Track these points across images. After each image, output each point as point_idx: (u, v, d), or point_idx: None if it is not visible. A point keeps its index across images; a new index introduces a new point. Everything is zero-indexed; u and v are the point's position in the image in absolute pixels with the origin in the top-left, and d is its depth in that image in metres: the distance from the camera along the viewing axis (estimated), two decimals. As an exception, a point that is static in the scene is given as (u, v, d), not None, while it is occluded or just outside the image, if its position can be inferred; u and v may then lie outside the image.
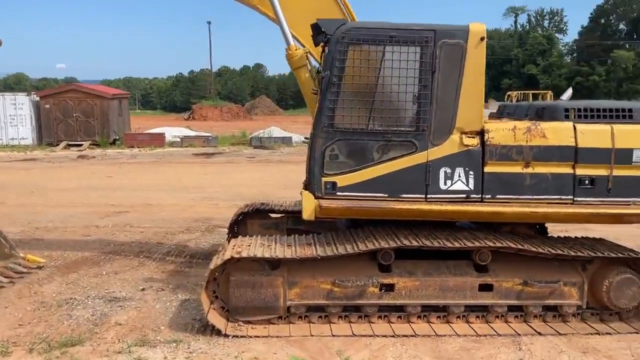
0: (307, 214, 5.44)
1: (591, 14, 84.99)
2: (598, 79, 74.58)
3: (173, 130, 29.01)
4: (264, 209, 7.86)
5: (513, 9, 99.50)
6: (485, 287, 5.56)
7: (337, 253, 5.27)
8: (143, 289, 6.66)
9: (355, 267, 5.52)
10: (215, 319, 5.33)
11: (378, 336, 5.31)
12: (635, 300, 5.55)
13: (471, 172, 5.39)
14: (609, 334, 5.45)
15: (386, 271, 5.55)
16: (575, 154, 5.40)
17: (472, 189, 5.40)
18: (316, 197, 5.43)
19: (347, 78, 5.30)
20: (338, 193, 5.42)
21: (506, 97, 46.19)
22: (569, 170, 5.44)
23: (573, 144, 5.40)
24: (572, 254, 5.42)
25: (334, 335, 5.30)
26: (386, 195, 5.41)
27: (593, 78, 74.68)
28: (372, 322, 5.57)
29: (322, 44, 6.01)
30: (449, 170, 5.38)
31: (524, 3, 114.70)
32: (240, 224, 7.84)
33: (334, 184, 5.41)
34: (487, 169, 5.40)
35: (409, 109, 5.36)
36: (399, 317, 5.60)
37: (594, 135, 5.42)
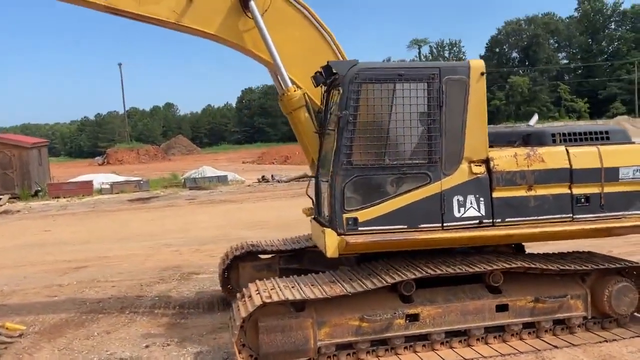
0: (331, 251, 5.47)
1: (487, 44, 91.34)
2: (499, 103, 79.83)
3: (99, 177, 27.81)
4: (254, 251, 7.75)
5: (416, 41, 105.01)
6: (502, 308, 5.80)
7: (367, 288, 5.33)
8: (147, 346, 6.33)
9: (379, 301, 5.59)
10: (245, 368, 5.19)
11: (411, 367, 5.38)
12: (633, 305, 6.01)
13: (481, 199, 5.67)
14: (615, 340, 5.85)
15: (408, 302, 5.67)
16: (570, 175, 5.84)
17: (484, 214, 5.68)
18: (338, 234, 5.48)
19: (361, 116, 5.47)
20: (360, 228, 5.51)
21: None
22: (566, 190, 5.86)
23: (568, 165, 5.84)
24: (578, 268, 5.81)
25: (368, 372, 5.32)
26: (405, 226, 5.56)
27: (494, 102, 79.72)
28: (398, 354, 5.63)
29: (322, 85, 6.19)
30: (461, 198, 5.63)
31: (426, 35, 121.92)
32: (230, 268, 7.68)
33: (355, 219, 5.49)
34: (495, 195, 5.70)
35: (421, 142, 5.59)
36: (423, 345, 5.71)
37: (585, 156, 5.89)
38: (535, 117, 8.02)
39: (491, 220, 5.71)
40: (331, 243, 5.46)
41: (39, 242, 13.86)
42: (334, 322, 5.45)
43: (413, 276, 5.41)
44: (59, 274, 10.37)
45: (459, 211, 5.64)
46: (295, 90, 6.40)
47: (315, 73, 6.21)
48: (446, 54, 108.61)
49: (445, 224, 5.62)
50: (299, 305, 5.46)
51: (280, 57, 6.36)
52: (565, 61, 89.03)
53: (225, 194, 23.08)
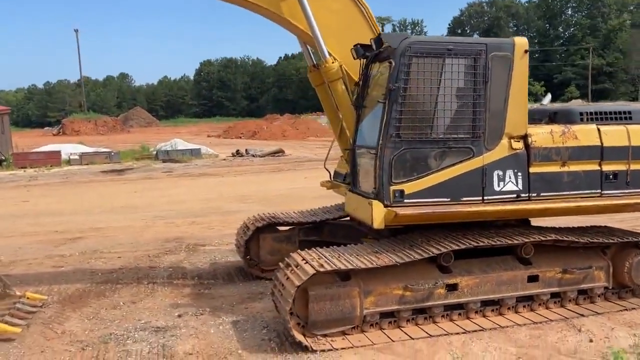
0: (378, 222, 5.55)
1: (449, 24, 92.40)
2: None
3: (67, 147, 26.89)
4: (275, 223, 7.77)
5: (380, 19, 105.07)
6: (532, 279, 6.05)
7: (414, 258, 5.46)
8: (180, 316, 6.31)
9: (420, 272, 5.74)
10: (297, 335, 5.26)
11: (452, 334, 5.57)
12: (650, 277, 6.37)
13: (519, 173, 5.86)
14: (634, 308, 6.21)
15: (446, 272, 5.84)
16: (601, 152, 6.09)
17: (521, 188, 5.87)
18: (385, 206, 5.57)
19: (411, 89, 5.52)
20: (405, 200, 5.60)
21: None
22: (596, 167, 6.11)
23: (599, 143, 6.09)
24: (606, 241, 6.11)
25: (412, 338, 5.47)
26: (449, 199, 5.70)
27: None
28: (436, 322, 5.82)
29: (362, 58, 6.21)
30: (501, 173, 5.80)
31: (389, 14, 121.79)
32: (251, 239, 7.68)
33: (402, 191, 5.58)
34: (532, 170, 5.90)
35: (466, 117, 5.70)
36: (459, 314, 5.91)
37: (615, 135, 6.15)
38: (549, 96, 8.26)
39: (527, 195, 5.90)
40: (378, 214, 5.54)
41: (21, 213, 13.41)
42: (379, 291, 5.57)
43: (459, 247, 5.58)
44: (55, 244, 10.11)
45: (498, 185, 5.81)
46: (333, 62, 6.38)
47: (356, 45, 6.23)
48: (408, 33, 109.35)
49: (485, 198, 5.78)
50: (345, 275, 5.55)
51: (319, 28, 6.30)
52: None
53: (201, 167, 22.78)
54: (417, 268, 5.71)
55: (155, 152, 25.98)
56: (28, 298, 6.57)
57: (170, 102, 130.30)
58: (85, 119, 65.18)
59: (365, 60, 6.28)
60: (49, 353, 5.39)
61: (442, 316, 5.86)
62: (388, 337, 5.50)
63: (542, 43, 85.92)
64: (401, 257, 5.49)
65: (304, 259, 5.51)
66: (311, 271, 5.18)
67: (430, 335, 5.53)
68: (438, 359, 5.07)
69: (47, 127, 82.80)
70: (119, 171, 21.62)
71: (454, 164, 5.69)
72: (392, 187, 5.58)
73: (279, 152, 26.76)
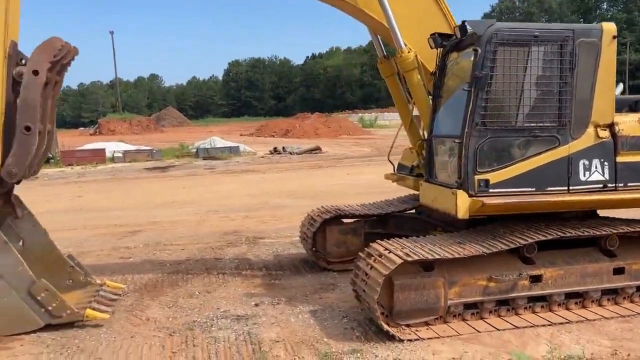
0: (462, 212, 5.50)
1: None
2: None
3: (111, 145, 27.41)
4: (341, 215, 7.78)
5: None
6: (618, 271, 5.92)
7: (501, 248, 5.40)
8: (257, 305, 6.36)
9: (503, 263, 5.66)
10: (384, 325, 5.25)
11: (538, 326, 5.49)
12: None
13: (606, 163, 5.74)
14: None
15: (529, 263, 5.76)
16: (688, 141, 5.93)
17: (608, 178, 5.75)
18: (470, 196, 5.52)
19: (497, 77, 5.46)
20: (490, 190, 5.55)
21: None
22: (682, 156, 5.95)
23: (687, 132, 5.92)
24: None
25: (498, 329, 5.41)
26: (533, 189, 5.62)
27: (487, 80, 79.89)
28: (519, 314, 5.74)
29: (438, 47, 6.17)
30: (587, 162, 5.69)
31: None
32: (317, 231, 7.70)
33: (486, 181, 5.53)
34: (619, 159, 5.77)
35: (552, 105, 5.61)
36: (542, 306, 5.82)
37: (701, 123, 5.98)
38: (621, 86, 8.07)
39: (614, 185, 5.79)
40: (462, 204, 5.49)
41: (77, 208, 13.70)
42: (463, 282, 5.52)
43: (546, 237, 5.50)
44: (118, 237, 10.30)
45: (584, 175, 5.71)
46: (409, 52, 6.36)
47: (434, 34, 6.20)
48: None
49: (571, 188, 5.68)
50: (427, 266, 5.52)
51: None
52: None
53: (242, 164, 22.96)
54: (500, 259, 5.64)
55: (195, 150, 26.26)
56: (108, 286, 6.70)
57: (199, 102, 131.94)
58: (121, 118, 66.34)
59: (442, 49, 6.24)
60: (138, 338, 5.49)
61: (525, 308, 5.77)
62: (473, 328, 5.45)
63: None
64: (487, 247, 5.43)
65: (386, 249, 5.50)
66: (398, 260, 5.16)
67: (516, 327, 5.46)
68: (530, 349, 5.00)
69: (82, 127, 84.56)
70: (163, 168, 21.93)
71: (539, 153, 5.61)
72: (477, 177, 5.52)
73: (316, 150, 26.80)
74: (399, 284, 5.30)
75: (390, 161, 8.05)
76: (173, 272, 7.78)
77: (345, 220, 7.93)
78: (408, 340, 5.20)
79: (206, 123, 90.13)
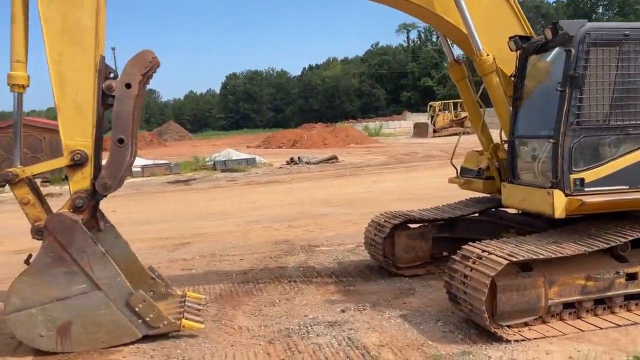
0: (559, 212, 5.53)
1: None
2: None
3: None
4: (409, 220, 7.79)
5: (405, 26, 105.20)
6: None
7: (601, 247, 5.43)
8: (343, 311, 6.35)
9: (599, 262, 5.69)
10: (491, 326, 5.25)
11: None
12: None
13: (696, 159, 5.77)
14: None
15: (622, 261, 5.78)
16: None
17: (698, 175, 5.78)
18: (566, 195, 5.55)
19: (590, 76, 5.52)
20: (585, 189, 5.58)
21: (429, 107, 48.65)
22: None
23: None
24: None
25: (601, 328, 5.42)
26: (627, 187, 5.65)
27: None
28: (614, 313, 5.76)
29: (518, 50, 6.23)
30: (678, 159, 5.73)
31: (414, 20, 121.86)
32: (386, 237, 7.70)
33: (582, 180, 5.57)
34: None
35: (643, 103, 5.67)
36: (636, 304, 5.84)
37: None
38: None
39: None
40: (559, 204, 5.52)
41: (116, 222, 13.56)
42: (562, 282, 5.54)
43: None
44: (168, 249, 10.28)
45: (676, 171, 5.74)
46: (487, 55, 6.41)
47: (514, 37, 6.27)
48: (434, 39, 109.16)
49: (664, 185, 5.72)
50: (524, 266, 5.54)
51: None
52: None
53: (262, 175, 22.98)
54: (595, 258, 5.66)
55: (212, 163, 26.25)
56: (189, 297, 6.68)
57: (197, 116, 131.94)
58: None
59: (521, 52, 6.30)
60: (238, 347, 5.48)
61: (620, 306, 5.79)
62: (575, 327, 5.46)
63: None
64: (587, 246, 5.46)
65: (484, 251, 5.52)
66: (504, 261, 5.18)
67: (618, 325, 5.47)
68: (642, 346, 5.02)
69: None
70: (185, 181, 21.92)
71: (631, 151, 5.66)
72: (573, 176, 5.56)
73: (332, 159, 26.86)
74: (501, 285, 5.31)
75: (453, 165, 8.08)
76: (242, 282, 7.77)
77: (411, 226, 7.94)
78: (515, 340, 5.21)
79: (208, 137, 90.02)
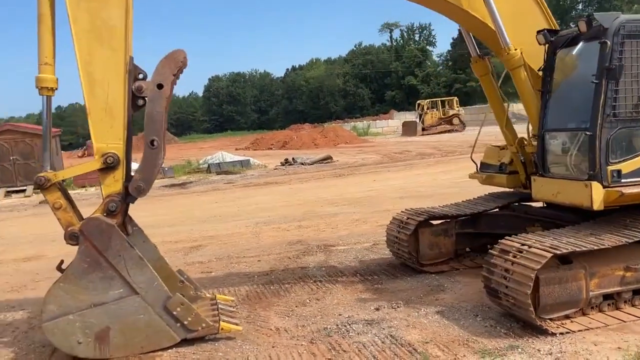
0: (597, 204, 5.56)
1: (459, 28, 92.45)
2: (475, 84, 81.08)
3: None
4: (432, 217, 7.77)
5: (388, 25, 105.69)
6: None
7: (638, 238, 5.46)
8: (377, 309, 6.31)
9: (633, 253, 5.71)
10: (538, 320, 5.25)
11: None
12: None
13: None
14: None
15: (653, 253, 5.82)
16: None
17: None
18: (604, 187, 5.58)
19: (626, 68, 5.55)
20: (622, 180, 5.62)
21: (417, 105, 48.83)
22: None
23: None
24: None
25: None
26: (662, 178, 5.70)
27: (471, 84, 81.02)
28: (650, 303, 5.80)
29: (546, 43, 6.25)
30: None
31: (397, 19, 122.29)
32: (411, 234, 7.68)
33: (619, 171, 5.60)
34: None
35: (678, 95, 5.71)
36: (668, 295, 5.89)
37: None
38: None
39: None
40: (597, 196, 5.55)
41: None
42: (602, 273, 5.56)
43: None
44: (182, 252, 10.17)
45: None
46: (515, 49, 6.42)
47: (542, 30, 6.29)
48: (416, 38, 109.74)
49: (694, 176, 5.77)
50: (564, 259, 5.55)
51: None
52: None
53: (259, 177, 22.86)
54: (631, 249, 5.69)
55: (207, 166, 26.05)
56: (219, 300, 6.59)
57: (180, 120, 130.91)
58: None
59: (550, 45, 6.32)
60: (280, 348, 5.41)
61: (654, 297, 5.85)
62: (617, 318, 5.49)
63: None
64: (627, 237, 5.49)
65: (524, 244, 5.52)
66: (547, 254, 5.19)
67: (663, 315, 5.51)
68: (686, 335, 5.05)
69: (63, 151, 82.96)
70: (182, 185, 21.72)
71: (666, 143, 5.71)
72: (610, 167, 5.59)
73: (327, 159, 26.82)
74: (544, 278, 5.31)
75: (473, 160, 8.08)
76: (267, 283, 7.70)
77: (434, 222, 7.93)
78: (560, 333, 5.22)
79: (193, 140, 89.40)
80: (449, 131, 46.02)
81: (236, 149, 48.61)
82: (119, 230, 5.47)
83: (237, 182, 21.57)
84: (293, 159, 27.15)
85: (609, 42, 5.48)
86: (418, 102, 49.93)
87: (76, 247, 5.47)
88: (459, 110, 48.41)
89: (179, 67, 5.69)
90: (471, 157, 8.13)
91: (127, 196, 5.72)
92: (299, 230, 11.39)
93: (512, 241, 5.68)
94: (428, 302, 6.44)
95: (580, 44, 5.94)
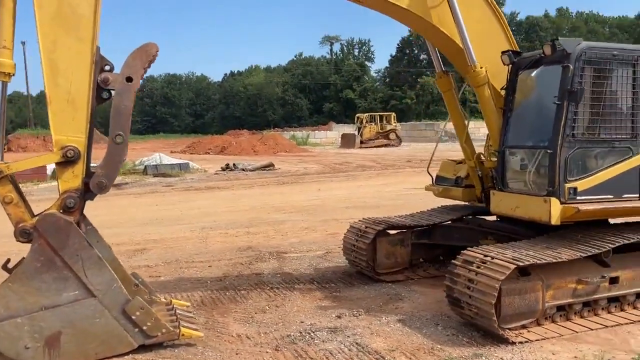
0: (555, 219, 5.80)
1: (398, 44, 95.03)
2: (410, 102, 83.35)
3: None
4: (390, 227, 7.86)
5: (328, 38, 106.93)
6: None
7: (594, 252, 5.74)
8: (339, 317, 6.29)
9: (585, 267, 6.01)
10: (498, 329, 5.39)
11: (623, 324, 5.87)
12: None
13: (671, 172, 6.25)
14: None
15: (605, 266, 6.14)
16: None
17: (673, 186, 6.27)
18: (561, 203, 5.84)
19: (585, 92, 5.84)
20: (578, 197, 5.90)
21: (356, 119, 49.56)
22: None
23: None
24: None
25: (592, 329, 5.73)
26: (611, 196, 6.03)
27: (406, 101, 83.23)
28: (598, 314, 6.11)
29: (509, 64, 6.51)
30: (654, 171, 6.19)
31: (338, 32, 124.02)
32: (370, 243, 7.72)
33: (575, 189, 5.87)
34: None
35: (627, 119, 6.08)
36: (615, 306, 6.23)
37: None
38: None
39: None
40: (555, 211, 5.79)
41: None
42: (556, 285, 5.81)
43: (630, 240, 5.92)
44: (126, 255, 9.73)
45: (652, 183, 6.19)
46: (481, 68, 6.63)
47: (507, 51, 6.55)
48: (356, 52, 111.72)
49: (642, 195, 6.15)
50: (522, 271, 5.75)
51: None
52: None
53: (199, 181, 22.37)
54: (582, 263, 5.97)
55: (143, 167, 25.22)
56: (175, 305, 6.35)
57: (108, 119, 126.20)
58: (33, 134, 62.30)
59: (512, 66, 6.58)
60: (245, 355, 5.28)
61: (602, 308, 6.15)
62: (568, 328, 5.73)
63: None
64: (580, 251, 5.75)
65: (486, 255, 5.68)
66: (511, 266, 5.36)
67: (605, 326, 5.80)
68: (635, 345, 5.34)
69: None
70: (116, 186, 20.86)
71: (616, 163, 6.04)
72: (567, 185, 5.86)
73: (269, 166, 26.67)
74: (506, 289, 5.48)
75: (429, 173, 8.26)
76: (221, 289, 7.50)
77: (390, 232, 8.02)
78: (519, 342, 5.39)
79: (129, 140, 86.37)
80: (385, 145, 47.00)
81: (171, 152, 47.40)
82: (77, 228, 5.17)
83: (177, 185, 21.01)
84: (234, 164, 26.80)
85: (571, 66, 5.76)
86: (357, 115, 50.72)
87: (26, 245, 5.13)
88: (396, 126, 49.55)
89: (149, 61, 5.49)
90: (427, 170, 8.30)
91: (86, 193, 5.42)
92: (248, 237, 11.21)
93: (475, 252, 5.83)
94: (388, 311, 6.48)
95: (543, 66, 6.22)
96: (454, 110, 7.56)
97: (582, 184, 5.92)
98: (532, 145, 6.26)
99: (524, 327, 5.70)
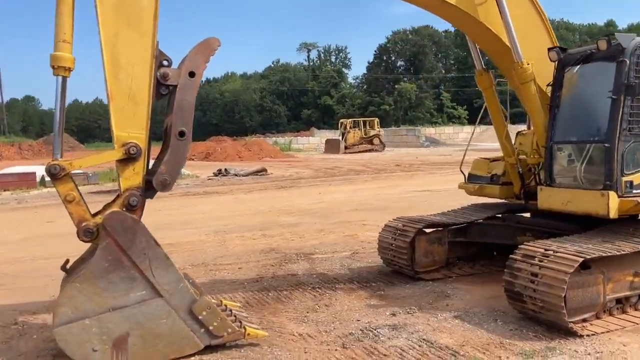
0: (613, 212, 5.85)
1: (375, 51, 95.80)
2: (388, 108, 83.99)
3: (40, 168, 25.00)
4: (428, 225, 7.84)
5: (306, 45, 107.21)
6: None
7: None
8: (393, 314, 6.23)
9: (636, 260, 6.07)
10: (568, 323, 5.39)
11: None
12: None
13: None
14: None
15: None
16: None
17: None
18: (618, 196, 5.89)
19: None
20: (634, 191, 5.96)
21: (340, 124, 49.68)
22: None
23: None
24: None
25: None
26: (666, 190, 6.11)
27: (384, 107, 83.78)
28: (650, 307, 6.17)
29: (556, 60, 6.57)
30: None
31: (316, 39, 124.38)
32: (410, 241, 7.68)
33: (631, 182, 5.94)
34: None
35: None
36: (665, 299, 6.30)
37: None
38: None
39: None
40: (614, 204, 5.84)
41: (63, 233, 12.37)
42: (616, 278, 5.84)
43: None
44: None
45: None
46: (528, 64, 6.67)
47: (554, 48, 6.61)
48: (333, 59, 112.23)
49: (690, 188, 6.24)
50: (583, 265, 5.77)
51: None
52: (444, 71, 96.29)
53: (195, 187, 22.10)
54: (636, 256, 6.03)
55: (135, 172, 24.74)
56: (228, 305, 6.21)
57: (82, 127, 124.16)
58: (8, 142, 60.86)
59: (560, 61, 6.63)
60: (313, 353, 5.18)
61: (652, 301, 6.23)
62: (629, 321, 5.77)
63: (461, 69, 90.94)
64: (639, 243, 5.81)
65: (547, 249, 5.69)
66: (579, 259, 5.37)
67: (678, 317, 5.86)
68: (699, 335, 5.40)
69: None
70: (111, 192, 20.44)
71: (673, 157, 6.13)
72: (624, 178, 5.92)
73: (262, 171, 26.51)
74: (571, 282, 5.48)
75: (462, 171, 8.28)
76: (261, 290, 7.38)
77: (427, 230, 8.00)
78: (586, 335, 5.40)
79: (100, 148, 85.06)
80: (369, 150, 47.18)
81: (153, 158, 46.80)
82: (144, 226, 5.03)
83: (173, 190, 20.59)
84: (225, 169, 26.57)
85: (627, 61, 5.83)
86: (341, 120, 50.84)
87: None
88: (379, 131, 49.81)
89: (212, 56, 5.38)
90: (460, 168, 8.32)
91: (147, 190, 5.27)
92: (266, 239, 11.08)
93: (535, 246, 5.84)
94: (441, 308, 6.44)
95: (594, 62, 6.28)
96: (494, 108, 7.59)
97: (637, 178, 5.98)
98: (583, 140, 6.31)
99: (584, 320, 5.72)
